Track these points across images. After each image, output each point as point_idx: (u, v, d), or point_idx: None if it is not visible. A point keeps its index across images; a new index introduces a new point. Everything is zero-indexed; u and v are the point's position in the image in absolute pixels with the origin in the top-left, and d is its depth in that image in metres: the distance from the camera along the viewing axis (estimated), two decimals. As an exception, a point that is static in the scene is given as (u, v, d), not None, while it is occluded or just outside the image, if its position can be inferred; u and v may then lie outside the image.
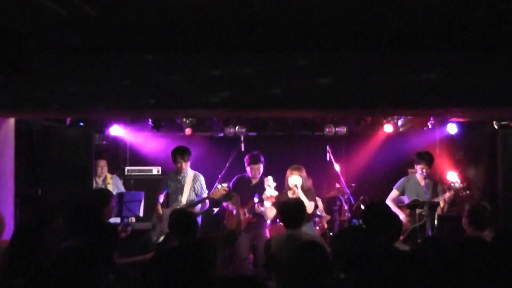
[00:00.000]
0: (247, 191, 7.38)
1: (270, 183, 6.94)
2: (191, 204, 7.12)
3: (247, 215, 7.30)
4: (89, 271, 3.10)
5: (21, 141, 6.93)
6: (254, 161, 7.42)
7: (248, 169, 7.49)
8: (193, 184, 7.26)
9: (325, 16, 4.61)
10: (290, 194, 6.66)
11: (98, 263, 3.18)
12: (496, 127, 7.18)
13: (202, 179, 7.35)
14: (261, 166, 7.43)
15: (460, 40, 5.27)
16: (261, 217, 7.24)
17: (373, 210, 4.45)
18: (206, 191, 7.25)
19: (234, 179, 7.63)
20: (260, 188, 7.33)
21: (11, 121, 6.70)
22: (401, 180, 7.26)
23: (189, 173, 7.32)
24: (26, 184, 7.05)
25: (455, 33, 5.09)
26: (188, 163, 7.32)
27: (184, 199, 7.19)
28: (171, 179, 7.39)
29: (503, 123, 7.10)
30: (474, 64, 5.57)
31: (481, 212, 5.11)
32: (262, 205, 7.09)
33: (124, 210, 6.99)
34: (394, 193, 7.25)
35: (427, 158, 7.00)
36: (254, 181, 7.47)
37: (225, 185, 7.07)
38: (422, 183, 7.01)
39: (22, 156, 6.95)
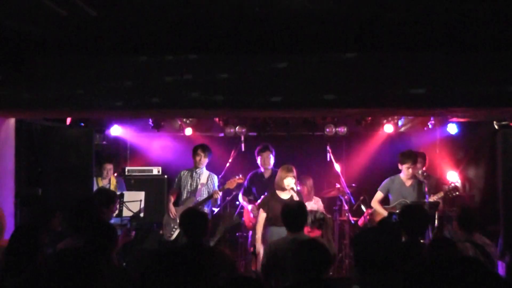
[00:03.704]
0: (261, 186, 7.42)
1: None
2: (201, 202, 7.19)
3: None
4: (88, 271, 3.10)
5: (21, 141, 6.93)
6: (262, 149, 7.51)
7: (258, 159, 7.53)
8: (207, 183, 7.40)
9: (325, 16, 4.61)
10: (283, 196, 6.37)
11: (97, 263, 3.18)
12: (496, 127, 7.18)
13: (215, 179, 7.52)
14: (271, 156, 7.47)
15: (460, 40, 5.26)
16: None
17: (411, 212, 4.59)
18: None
19: (249, 175, 7.67)
20: (272, 182, 7.33)
21: (11, 121, 6.70)
22: (385, 181, 7.26)
23: (204, 172, 7.49)
24: (26, 184, 7.05)
25: (455, 33, 5.09)
26: (207, 160, 7.49)
27: (198, 198, 7.29)
28: (185, 178, 7.52)
29: (503, 123, 7.10)
30: (474, 64, 5.57)
31: (470, 215, 5.12)
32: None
33: (124, 211, 7.01)
34: (378, 194, 7.24)
35: (412, 157, 7.04)
36: (266, 175, 7.49)
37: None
38: (408, 183, 7.03)
39: (22, 156, 6.95)
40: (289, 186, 6.36)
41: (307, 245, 3.71)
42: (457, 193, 6.82)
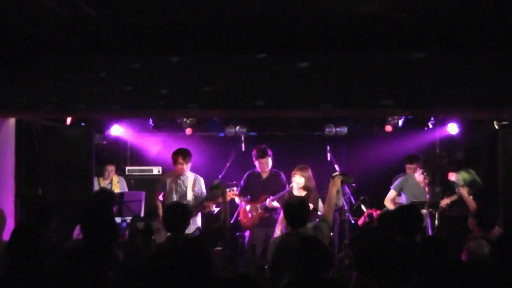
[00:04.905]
0: (258, 186, 7.43)
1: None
2: (194, 206, 7.07)
3: (259, 210, 7.32)
4: (92, 270, 3.11)
5: (21, 141, 6.93)
6: (261, 155, 7.42)
7: (256, 163, 7.50)
8: (193, 188, 7.23)
9: (325, 16, 4.61)
10: (297, 194, 6.89)
11: (100, 261, 3.19)
12: (496, 127, 7.19)
13: (202, 181, 7.31)
14: (269, 160, 7.43)
15: (460, 40, 5.26)
16: (274, 212, 7.25)
17: (405, 212, 4.65)
18: (206, 194, 7.24)
19: (245, 175, 7.65)
20: (270, 182, 7.39)
21: (11, 121, 6.70)
22: (399, 179, 7.27)
23: (190, 176, 7.27)
24: (26, 184, 7.04)
25: (455, 33, 5.09)
26: (189, 166, 7.25)
27: (189, 202, 7.16)
28: (169, 184, 7.29)
29: (503, 123, 7.10)
30: (474, 64, 5.57)
31: (489, 213, 5.13)
32: (273, 200, 7.14)
33: (124, 210, 7.00)
34: (392, 193, 7.24)
35: (431, 168, 7.00)
36: (264, 175, 7.48)
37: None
38: (422, 184, 7.01)
39: (22, 156, 6.94)
40: (293, 184, 6.90)
41: (307, 243, 3.72)
42: (471, 196, 6.78)
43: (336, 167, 7.98)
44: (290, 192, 7.02)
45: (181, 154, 7.21)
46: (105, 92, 5.80)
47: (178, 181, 7.28)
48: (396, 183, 7.25)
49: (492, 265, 3.32)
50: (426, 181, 6.98)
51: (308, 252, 3.61)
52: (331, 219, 5.38)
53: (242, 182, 7.61)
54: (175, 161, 7.23)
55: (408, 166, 7.75)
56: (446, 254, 3.77)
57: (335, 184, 5.46)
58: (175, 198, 7.23)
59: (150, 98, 5.80)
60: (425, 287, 3.45)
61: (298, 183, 6.89)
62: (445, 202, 6.85)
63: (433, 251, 3.78)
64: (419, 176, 7.05)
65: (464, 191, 6.69)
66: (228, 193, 7.01)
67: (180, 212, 4.74)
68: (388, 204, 7.23)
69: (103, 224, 4.11)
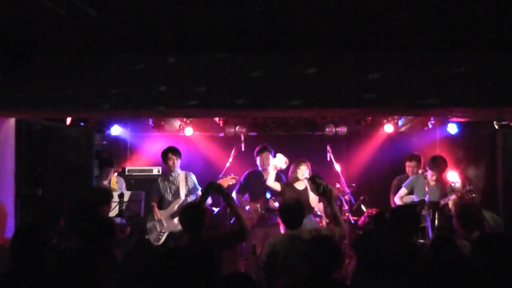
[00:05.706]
0: (260, 185, 7.41)
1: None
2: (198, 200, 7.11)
3: (260, 211, 7.32)
4: (89, 270, 3.11)
5: (21, 141, 6.93)
6: (261, 149, 7.48)
7: (257, 160, 7.52)
8: (186, 183, 7.28)
9: (325, 15, 4.61)
10: (298, 186, 6.90)
11: (97, 262, 3.19)
12: (496, 127, 7.19)
13: (193, 176, 7.38)
14: (270, 156, 7.43)
15: (461, 40, 5.26)
16: (275, 213, 7.24)
17: (402, 212, 4.71)
18: (199, 188, 7.27)
19: (246, 173, 7.65)
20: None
21: (11, 121, 6.70)
22: (410, 178, 7.34)
23: (180, 173, 7.34)
24: (26, 184, 7.05)
25: (455, 33, 5.09)
26: (179, 161, 7.36)
27: (181, 199, 7.20)
28: (163, 184, 7.39)
29: (503, 123, 7.11)
30: (474, 64, 5.56)
31: (471, 214, 5.13)
32: (275, 200, 7.14)
33: (125, 210, 7.01)
34: (403, 191, 7.30)
35: (441, 166, 7.04)
36: (266, 174, 7.44)
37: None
38: (432, 182, 7.05)
39: (22, 156, 6.95)
40: (304, 176, 6.87)
41: (319, 242, 3.72)
42: (474, 195, 6.80)
43: (336, 166, 7.99)
44: (291, 185, 6.98)
45: (170, 150, 7.38)
46: (105, 92, 5.80)
47: (170, 178, 7.35)
48: (407, 181, 7.31)
49: (472, 263, 3.33)
50: (434, 177, 7.02)
51: (319, 251, 3.61)
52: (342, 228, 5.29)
53: (242, 179, 7.59)
54: (165, 158, 7.36)
55: (407, 163, 7.80)
56: (457, 254, 3.80)
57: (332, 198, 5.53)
58: (170, 196, 7.31)
59: (148, 97, 5.79)
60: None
61: (302, 174, 6.90)
62: (449, 201, 6.86)
63: (444, 251, 3.80)
64: (429, 175, 7.09)
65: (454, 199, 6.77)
66: (224, 179, 7.06)
67: (196, 212, 4.73)
68: (398, 201, 7.29)
69: (93, 223, 4.12)
